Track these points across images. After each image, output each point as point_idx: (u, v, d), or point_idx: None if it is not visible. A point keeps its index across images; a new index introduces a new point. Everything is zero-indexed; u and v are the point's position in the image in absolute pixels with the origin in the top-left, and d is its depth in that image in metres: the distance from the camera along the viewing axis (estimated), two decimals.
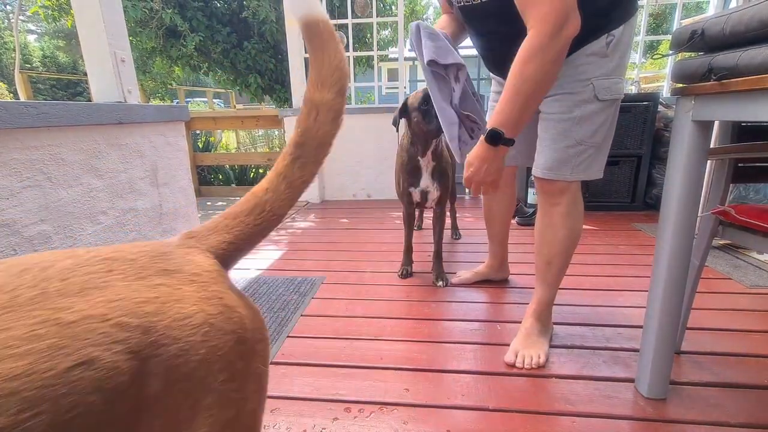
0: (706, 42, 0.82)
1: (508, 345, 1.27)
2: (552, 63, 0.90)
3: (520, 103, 0.93)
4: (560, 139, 1.08)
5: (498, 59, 1.19)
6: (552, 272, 1.22)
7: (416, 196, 1.72)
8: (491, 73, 1.34)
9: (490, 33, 1.12)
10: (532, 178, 2.73)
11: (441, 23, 1.30)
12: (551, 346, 1.28)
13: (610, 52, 1.01)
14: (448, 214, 2.17)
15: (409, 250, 1.90)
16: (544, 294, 1.26)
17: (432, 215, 1.85)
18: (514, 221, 2.71)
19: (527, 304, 1.33)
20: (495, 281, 1.77)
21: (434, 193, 1.68)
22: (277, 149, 5.59)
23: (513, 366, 1.19)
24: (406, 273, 1.87)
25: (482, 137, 0.99)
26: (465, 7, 1.07)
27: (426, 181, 1.67)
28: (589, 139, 1.07)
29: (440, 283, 1.74)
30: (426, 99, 1.42)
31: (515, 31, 0.92)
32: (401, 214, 1.89)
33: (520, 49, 0.91)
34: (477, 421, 0.99)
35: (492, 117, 0.98)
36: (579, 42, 0.95)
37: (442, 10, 1.33)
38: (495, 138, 0.97)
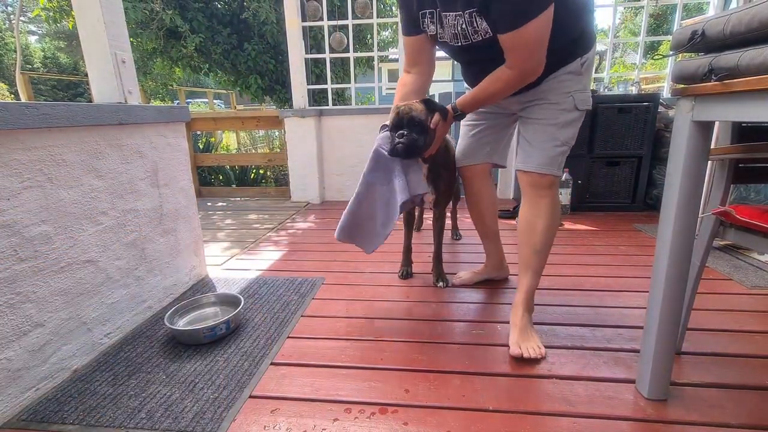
0: (707, 42, 0.82)
1: (509, 346, 1.27)
2: (511, 90, 1.23)
3: (479, 102, 1.31)
4: (549, 140, 1.27)
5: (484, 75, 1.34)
6: (539, 260, 1.33)
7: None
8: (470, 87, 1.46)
9: (481, 60, 1.27)
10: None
11: (407, 84, 1.42)
12: (551, 347, 1.28)
13: (584, 70, 1.24)
14: (448, 215, 2.17)
15: (408, 250, 1.89)
16: (531, 282, 1.34)
17: (432, 216, 1.83)
18: (514, 222, 2.71)
19: None
20: (495, 281, 1.77)
21: (429, 196, 1.63)
22: (278, 150, 5.60)
23: (521, 357, 1.20)
24: (406, 273, 1.86)
25: (451, 112, 1.35)
26: (461, 47, 1.24)
27: None
28: (569, 141, 1.27)
29: (441, 283, 1.74)
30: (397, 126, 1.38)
31: (501, 58, 1.17)
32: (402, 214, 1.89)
33: (496, 73, 1.20)
34: (477, 422, 0.99)
35: (459, 101, 1.32)
36: (559, 63, 1.22)
37: (408, 64, 1.43)
38: (459, 116, 1.37)
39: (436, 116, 1.34)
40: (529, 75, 1.17)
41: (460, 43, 1.22)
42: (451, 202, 2.16)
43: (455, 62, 3.93)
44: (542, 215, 1.31)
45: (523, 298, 1.33)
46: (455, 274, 1.81)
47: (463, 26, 1.16)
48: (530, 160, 1.30)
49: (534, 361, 1.21)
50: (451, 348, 1.31)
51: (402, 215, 1.79)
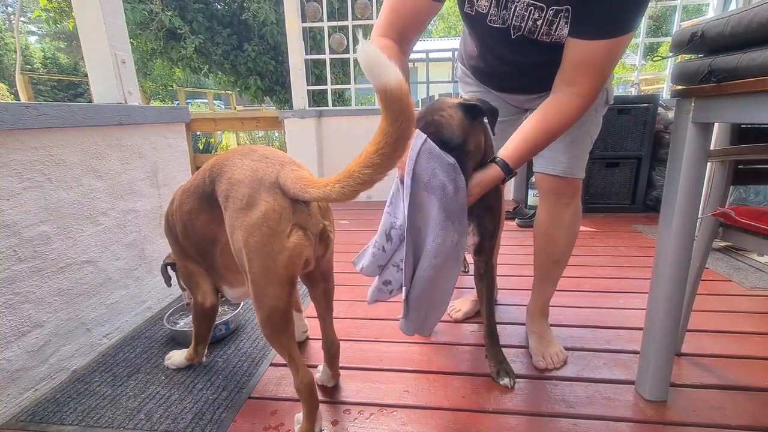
0: (706, 44, 0.82)
1: (508, 346, 1.27)
2: (570, 127, 0.93)
3: (537, 150, 0.95)
4: (580, 140, 1.11)
5: (524, 85, 1.12)
6: (558, 270, 1.25)
7: None
8: (485, 85, 1.20)
9: (532, 65, 1.03)
10: (533, 180, 2.74)
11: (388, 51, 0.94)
12: None
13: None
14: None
15: None
16: (549, 292, 1.28)
17: (474, 268, 1.19)
18: (513, 223, 2.72)
19: (526, 305, 1.33)
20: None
21: (469, 237, 1.07)
22: None
23: (546, 370, 1.18)
24: None
25: (499, 172, 0.91)
26: (515, 39, 0.95)
27: None
28: (595, 138, 1.14)
29: (506, 380, 1.12)
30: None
31: (556, 60, 0.92)
32: None
33: (558, 106, 0.91)
34: (477, 423, 0.99)
35: (510, 155, 0.92)
36: None
37: (383, 29, 0.98)
38: (510, 176, 0.94)
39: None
40: (590, 106, 0.93)
41: (522, 33, 0.94)
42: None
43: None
44: (565, 225, 1.17)
45: (540, 308, 1.29)
46: (452, 306, 1.52)
47: (538, 21, 0.90)
48: (557, 162, 1.12)
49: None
50: (451, 349, 1.31)
51: None
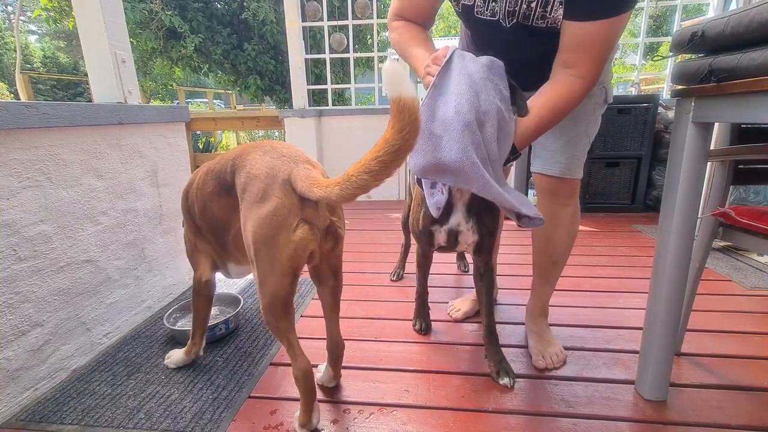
0: (707, 43, 0.82)
1: (508, 346, 1.27)
2: (571, 110, 0.94)
3: (541, 132, 0.96)
4: (578, 140, 1.10)
5: (523, 82, 1.09)
6: (557, 270, 1.25)
7: (441, 237, 1.13)
8: None
9: (530, 58, 1.01)
10: (533, 179, 2.73)
11: (413, 33, 1.06)
12: None
13: (612, 57, 1.07)
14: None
15: (422, 299, 1.41)
16: (548, 292, 1.28)
17: (473, 269, 1.22)
18: (513, 222, 2.71)
19: (525, 305, 1.33)
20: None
21: (469, 236, 1.10)
22: None
23: (546, 369, 1.18)
24: (424, 327, 1.40)
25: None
26: (509, 29, 0.95)
27: (459, 216, 1.08)
28: (593, 138, 1.12)
29: (505, 380, 1.13)
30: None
31: (553, 49, 0.92)
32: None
33: (562, 87, 0.91)
34: (477, 423, 0.99)
35: (518, 138, 0.95)
36: None
37: (402, 11, 1.06)
38: (515, 157, 0.97)
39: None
40: (592, 88, 0.92)
41: (515, 20, 0.93)
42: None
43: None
44: (563, 225, 1.17)
45: (540, 308, 1.29)
46: (447, 303, 1.57)
47: (532, 5, 0.89)
48: (555, 163, 1.11)
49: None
50: (451, 348, 1.31)
51: (415, 255, 1.35)
